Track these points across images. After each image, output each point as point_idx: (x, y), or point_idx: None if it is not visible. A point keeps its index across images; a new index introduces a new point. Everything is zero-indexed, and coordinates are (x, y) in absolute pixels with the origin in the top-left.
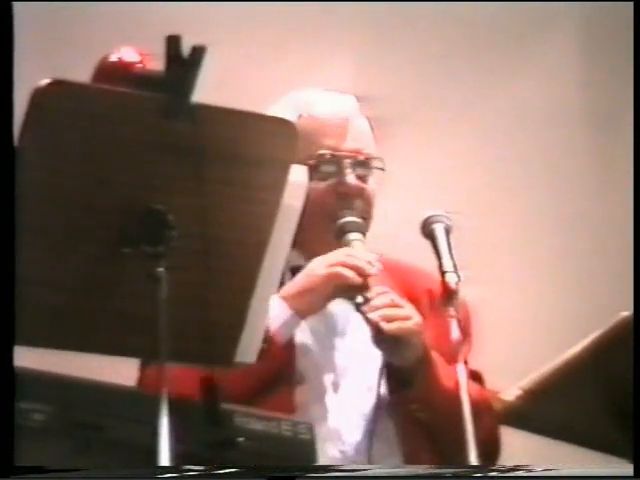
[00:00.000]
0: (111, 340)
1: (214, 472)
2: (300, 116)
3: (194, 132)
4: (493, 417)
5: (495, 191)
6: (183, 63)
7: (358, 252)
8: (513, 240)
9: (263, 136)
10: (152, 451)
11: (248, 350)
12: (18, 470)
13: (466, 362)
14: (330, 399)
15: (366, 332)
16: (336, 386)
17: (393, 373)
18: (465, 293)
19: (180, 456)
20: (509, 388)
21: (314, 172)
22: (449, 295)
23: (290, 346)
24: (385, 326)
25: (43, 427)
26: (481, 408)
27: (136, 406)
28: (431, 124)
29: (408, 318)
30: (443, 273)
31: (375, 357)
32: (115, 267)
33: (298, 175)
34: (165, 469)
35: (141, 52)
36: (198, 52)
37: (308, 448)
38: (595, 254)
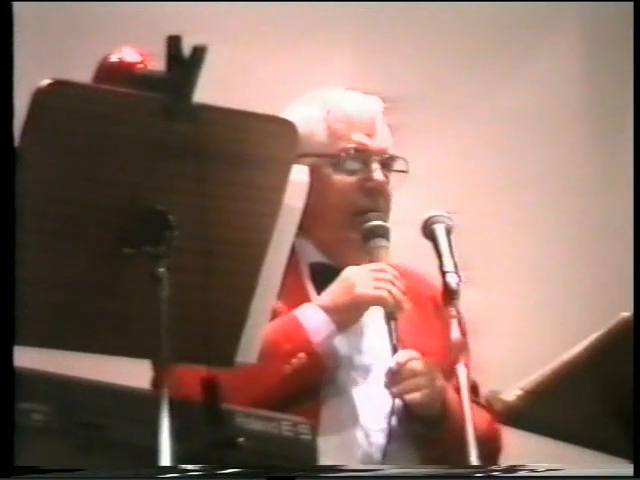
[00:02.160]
0: (112, 340)
1: (214, 472)
2: (329, 112)
3: (195, 132)
4: (500, 446)
5: (496, 191)
6: (184, 63)
7: (389, 267)
8: (513, 240)
9: (264, 136)
10: (152, 451)
11: (249, 350)
12: (18, 470)
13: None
14: (357, 401)
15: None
16: (363, 388)
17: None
18: (465, 293)
19: (181, 456)
20: (509, 388)
21: (340, 166)
22: (450, 295)
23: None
24: (407, 397)
25: (43, 427)
26: (492, 439)
27: (136, 406)
28: (431, 124)
29: (429, 386)
30: (444, 273)
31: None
32: (116, 267)
33: (299, 175)
34: (165, 469)
35: (142, 52)
36: (199, 52)
37: (308, 448)
38: (595, 255)
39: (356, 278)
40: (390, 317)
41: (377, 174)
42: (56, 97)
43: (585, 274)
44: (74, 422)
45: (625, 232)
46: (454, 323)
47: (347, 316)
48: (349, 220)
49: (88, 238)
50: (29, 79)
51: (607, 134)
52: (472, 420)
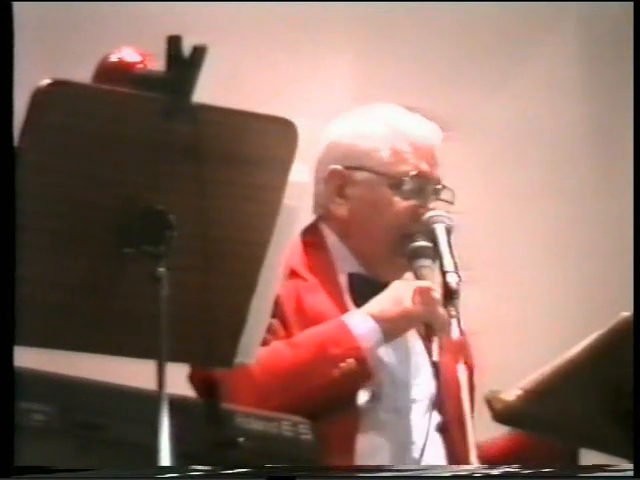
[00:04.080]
0: (112, 340)
1: (214, 472)
2: (394, 132)
3: (195, 132)
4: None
5: (495, 191)
6: (184, 63)
7: (434, 287)
8: (513, 240)
9: (264, 136)
10: (153, 451)
11: (248, 350)
12: (18, 470)
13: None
14: (401, 409)
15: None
16: (405, 399)
17: None
18: (465, 293)
19: (181, 456)
20: (509, 388)
21: (399, 188)
22: (450, 295)
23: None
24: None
25: (44, 427)
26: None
27: (137, 406)
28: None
29: None
30: (444, 273)
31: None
32: (116, 267)
33: (299, 175)
34: (166, 469)
35: (142, 52)
36: (199, 52)
37: (309, 448)
38: (596, 254)
39: (406, 293)
40: (434, 334)
41: (431, 203)
42: (56, 97)
43: (586, 274)
44: (75, 422)
45: (625, 232)
46: (454, 323)
47: (395, 327)
48: (398, 241)
49: (88, 238)
50: (29, 79)
51: (607, 134)
52: (472, 420)
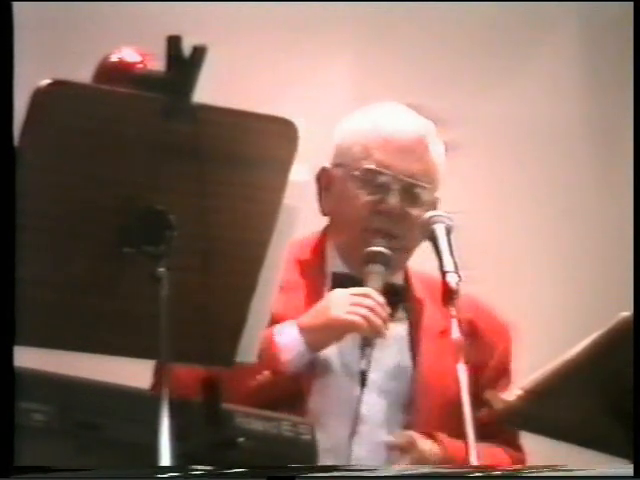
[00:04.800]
0: (112, 340)
1: (214, 472)
2: (373, 127)
3: (195, 132)
4: None
5: (495, 191)
6: (184, 63)
7: (374, 293)
8: (513, 240)
9: (264, 136)
10: (152, 451)
11: (248, 350)
12: (18, 470)
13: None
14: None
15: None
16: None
17: None
18: (465, 292)
19: (180, 456)
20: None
21: (365, 184)
22: (450, 295)
23: (302, 377)
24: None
25: (44, 427)
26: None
27: (137, 406)
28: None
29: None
30: (444, 273)
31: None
32: (116, 267)
33: (299, 175)
34: (165, 469)
35: (142, 52)
36: (199, 52)
37: (309, 448)
38: (596, 254)
39: (335, 301)
40: (365, 343)
41: (393, 198)
42: (56, 97)
43: (586, 274)
44: (74, 422)
45: (625, 232)
46: (454, 323)
47: (319, 337)
48: (361, 236)
49: (88, 238)
50: (29, 79)
51: (607, 134)
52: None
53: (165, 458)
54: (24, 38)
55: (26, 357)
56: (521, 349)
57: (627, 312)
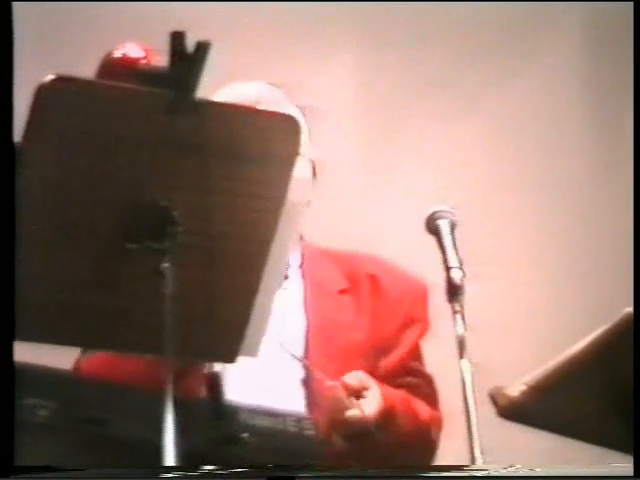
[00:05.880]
0: (115, 336)
1: (214, 472)
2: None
3: (198, 128)
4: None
5: (499, 187)
6: (187, 59)
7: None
8: (517, 236)
9: (267, 132)
10: (156, 448)
11: (252, 346)
12: (18, 470)
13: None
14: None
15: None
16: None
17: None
18: (469, 289)
19: (185, 452)
20: (513, 384)
21: None
22: (454, 291)
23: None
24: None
25: (47, 423)
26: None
27: (140, 402)
28: (434, 121)
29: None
30: (448, 269)
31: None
32: (120, 263)
33: (303, 171)
34: (169, 467)
35: (145, 48)
36: (202, 48)
37: (312, 444)
38: (600, 250)
39: None
40: None
41: None
42: (59, 93)
43: (590, 270)
44: (78, 418)
45: (627, 228)
46: (458, 318)
47: None
48: None
49: (91, 234)
50: (29, 79)
51: (607, 132)
52: (475, 417)
53: (169, 455)
54: (24, 38)
55: (30, 353)
56: (525, 344)
57: (632, 308)
